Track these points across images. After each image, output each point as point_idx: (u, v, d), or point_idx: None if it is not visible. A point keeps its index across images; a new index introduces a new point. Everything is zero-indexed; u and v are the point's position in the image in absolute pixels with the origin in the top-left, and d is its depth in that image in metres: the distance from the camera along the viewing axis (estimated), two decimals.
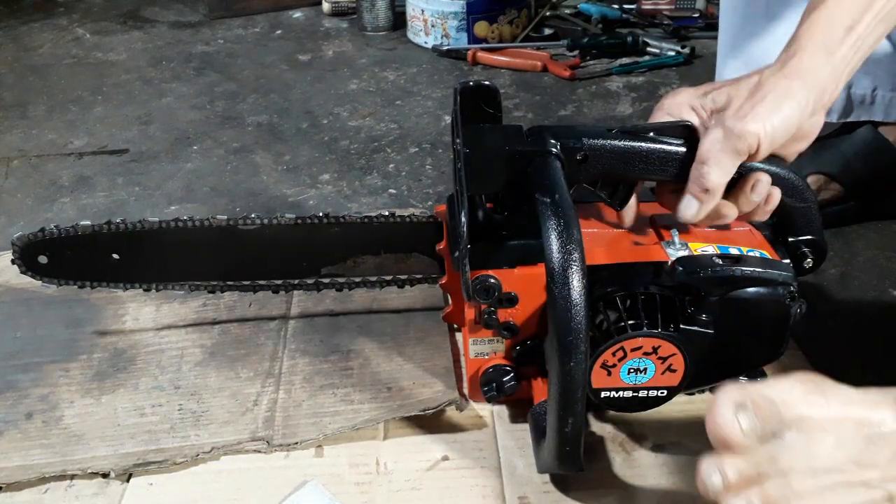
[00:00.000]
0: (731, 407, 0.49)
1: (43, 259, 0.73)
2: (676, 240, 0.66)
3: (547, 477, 0.64)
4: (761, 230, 0.70)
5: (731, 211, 0.64)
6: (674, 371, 0.62)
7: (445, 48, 1.68)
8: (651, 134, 0.64)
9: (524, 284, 0.63)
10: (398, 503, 0.63)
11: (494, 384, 0.67)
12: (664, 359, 0.61)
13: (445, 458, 0.67)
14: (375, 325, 0.81)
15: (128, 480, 0.66)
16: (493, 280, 0.62)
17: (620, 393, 0.64)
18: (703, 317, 0.61)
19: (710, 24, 1.68)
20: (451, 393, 0.71)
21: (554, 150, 0.61)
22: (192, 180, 1.22)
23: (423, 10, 1.71)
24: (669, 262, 0.63)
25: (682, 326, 0.61)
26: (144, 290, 0.76)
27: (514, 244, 0.63)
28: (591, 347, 0.53)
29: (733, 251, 0.65)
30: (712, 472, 0.48)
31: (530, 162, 0.60)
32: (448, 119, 1.38)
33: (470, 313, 0.65)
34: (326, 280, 0.78)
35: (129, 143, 1.35)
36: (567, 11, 1.88)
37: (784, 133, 0.60)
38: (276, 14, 1.98)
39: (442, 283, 0.75)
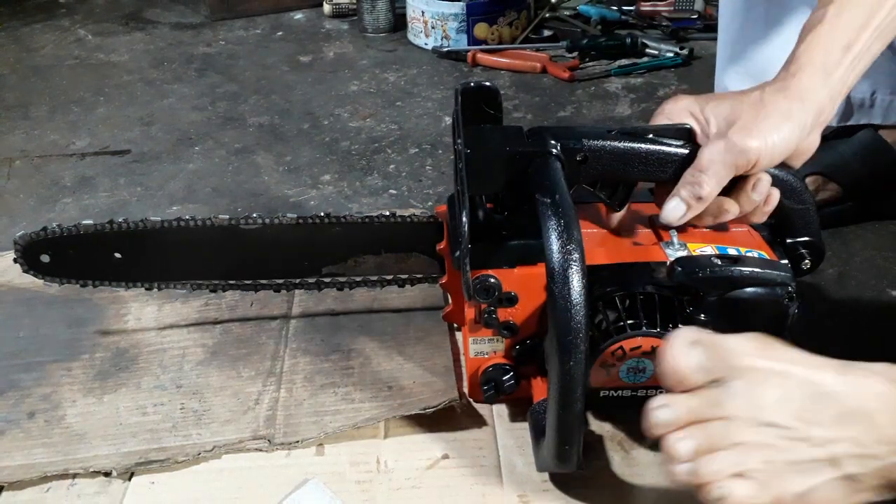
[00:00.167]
0: (685, 341, 0.51)
1: (45, 258, 0.74)
2: (675, 240, 0.66)
3: (546, 475, 0.64)
4: (760, 231, 0.70)
5: (732, 208, 0.64)
6: None
7: (445, 49, 1.68)
8: (650, 135, 0.64)
9: (524, 284, 0.63)
10: (399, 501, 0.63)
11: (494, 383, 0.67)
12: None
13: (445, 457, 0.67)
14: (376, 324, 0.82)
15: (130, 479, 0.66)
16: (493, 280, 0.63)
17: (619, 392, 0.64)
18: (702, 317, 0.62)
19: (709, 26, 1.68)
20: (451, 392, 0.71)
21: (554, 150, 0.61)
22: (193, 181, 1.23)
23: (423, 12, 1.71)
24: (668, 263, 0.63)
25: (680, 326, 0.61)
26: (146, 290, 0.77)
27: (515, 244, 0.63)
28: (590, 347, 0.53)
29: (732, 252, 0.65)
30: (661, 405, 0.50)
31: (531, 162, 0.60)
32: (448, 120, 1.38)
33: (470, 313, 0.66)
34: (327, 279, 0.78)
35: (131, 143, 1.36)
36: (566, 13, 1.88)
37: (782, 152, 0.61)
38: (277, 15, 1.98)
39: (442, 283, 0.75)
